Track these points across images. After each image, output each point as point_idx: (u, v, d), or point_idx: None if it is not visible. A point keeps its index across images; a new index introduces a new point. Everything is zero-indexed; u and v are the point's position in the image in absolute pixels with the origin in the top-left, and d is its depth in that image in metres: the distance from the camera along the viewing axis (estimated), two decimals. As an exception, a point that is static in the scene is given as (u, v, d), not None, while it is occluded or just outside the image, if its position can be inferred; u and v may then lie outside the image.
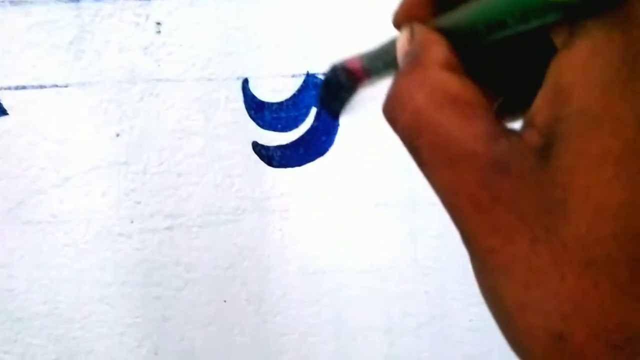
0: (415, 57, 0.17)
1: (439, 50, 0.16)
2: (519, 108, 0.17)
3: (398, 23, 0.19)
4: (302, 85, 0.38)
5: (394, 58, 0.19)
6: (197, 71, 0.38)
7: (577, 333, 0.13)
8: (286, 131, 0.39)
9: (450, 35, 0.17)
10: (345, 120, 0.39)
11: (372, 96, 0.36)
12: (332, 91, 0.28)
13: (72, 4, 0.37)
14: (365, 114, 0.38)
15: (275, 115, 0.38)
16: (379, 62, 0.22)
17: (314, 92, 0.38)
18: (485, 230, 0.14)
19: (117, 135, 0.38)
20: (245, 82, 0.38)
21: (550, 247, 0.13)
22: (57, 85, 0.37)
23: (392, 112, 0.16)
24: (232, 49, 0.37)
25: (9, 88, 0.37)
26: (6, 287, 0.40)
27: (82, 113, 0.38)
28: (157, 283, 0.40)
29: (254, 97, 0.38)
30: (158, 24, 0.37)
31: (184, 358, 0.42)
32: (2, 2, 0.36)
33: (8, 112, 0.37)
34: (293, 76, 0.38)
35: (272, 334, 0.42)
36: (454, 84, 0.15)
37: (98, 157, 0.39)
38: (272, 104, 0.38)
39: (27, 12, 0.37)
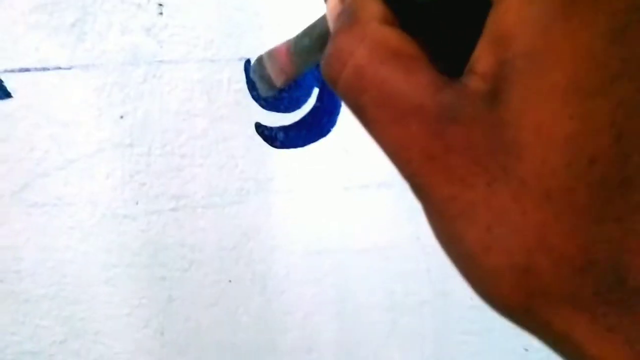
0: (352, 13, 0.16)
1: (374, 5, 0.16)
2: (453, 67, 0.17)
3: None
4: (304, 66, 0.38)
5: (325, 31, 0.18)
6: (200, 52, 0.38)
7: (542, 263, 0.13)
8: (288, 112, 0.39)
9: None
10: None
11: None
12: (258, 78, 0.28)
13: (74, -14, 0.37)
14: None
15: (277, 96, 0.38)
16: (306, 38, 0.21)
17: (316, 73, 0.38)
18: (441, 180, 0.14)
19: (121, 117, 0.38)
20: (247, 63, 0.38)
21: (508, 185, 0.13)
22: (60, 68, 0.37)
23: (332, 70, 0.16)
24: (234, 29, 0.37)
25: (13, 70, 0.37)
26: (13, 269, 0.40)
27: (86, 95, 0.38)
28: (163, 264, 0.41)
29: (256, 77, 0.38)
30: (160, 5, 0.37)
31: (190, 338, 0.42)
32: (4, -16, 0.36)
33: (12, 94, 0.37)
34: (295, 57, 0.38)
35: (276, 313, 0.42)
36: (394, 38, 0.15)
37: (102, 140, 0.39)
38: (275, 84, 0.38)
39: (28, -6, 0.37)
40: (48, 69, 0.37)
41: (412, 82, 0.15)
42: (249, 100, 0.39)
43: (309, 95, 0.39)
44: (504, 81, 0.13)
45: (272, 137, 0.39)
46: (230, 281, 0.41)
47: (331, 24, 0.18)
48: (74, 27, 0.37)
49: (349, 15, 0.16)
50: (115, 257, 0.41)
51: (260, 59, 0.26)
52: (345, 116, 0.39)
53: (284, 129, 0.39)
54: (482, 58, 0.14)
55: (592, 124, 0.13)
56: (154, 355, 0.43)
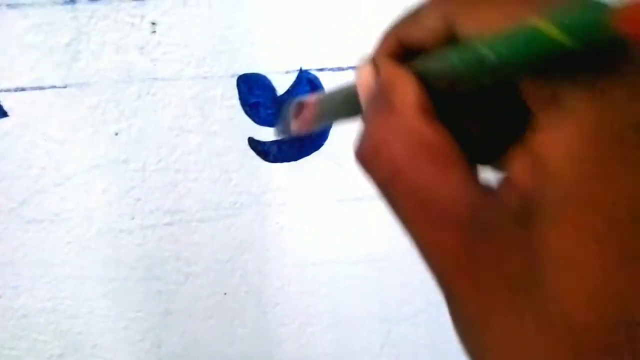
0: (387, 97, 0.16)
1: (409, 89, 0.15)
2: (486, 158, 0.17)
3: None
4: (295, 81, 0.39)
5: (353, 97, 0.18)
6: (193, 69, 0.38)
7: None
8: (281, 126, 0.39)
9: (419, 78, 0.16)
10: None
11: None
12: (281, 119, 0.28)
13: (68, 6, 0.37)
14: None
15: (270, 111, 0.39)
16: (333, 102, 0.21)
17: (307, 88, 0.39)
18: (467, 288, 0.14)
19: (116, 134, 0.39)
20: (239, 80, 0.39)
21: (529, 308, 0.13)
22: (55, 86, 0.38)
23: (366, 158, 0.16)
24: (226, 47, 0.38)
25: (9, 90, 0.38)
26: (11, 284, 0.41)
27: (81, 113, 0.39)
28: (159, 277, 0.41)
29: (248, 93, 0.39)
30: (153, 24, 0.38)
31: (186, 350, 0.43)
32: (0, 5, 0.37)
33: (8, 113, 0.38)
34: (287, 72, 0.39)
35: (272, 325, 0.43)
36: (431, 132, 0.15)
37: (98, 156, 0.39)
38: (267, 100, 0.39)
39: (24, 14, 0.37)
40: (44, 88, 0.38)
41: (447, 188, 0.14)
42: (242, 115, 0.39)
43: (300, 109, 0.39)
44: (538, 207, 0.13)
45: (265, 151, 0.40)
46: (225, 294, 0.42)
47: (362, 98, 0.17)
48: (69, 46, 0.38)
49: (384, 99, 0.16)
50: (111, 271, 0.41)
51: (290, 104, 0.27)
52: (338, 130, 0.40)
53: (277, 143, 0.40)
54: (519, 173, 0.14)
55: (622, 284, 0.12)
56: (151, 367, 0.43)
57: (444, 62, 0.15)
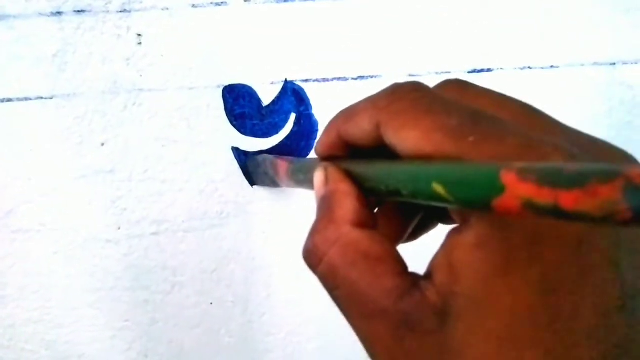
0: (328, 209, 0.19)
1: (349, 204, 0.18)
2: (429, 226, 0.21)
3: (318, 154, 0.22)
4: (280, 92, 0.39)
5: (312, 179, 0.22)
6: (179, 80, 0.39)
7: None
8: (267, 137, 0.40)
9: (360, 180, 0.19)
10: (324, 126, 0.40)
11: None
12: (254, 170, 0.33)
13: (55, 18, 0.37)
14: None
15: (255, 122, 0.39)
16: (301, 174, 0.26)
17: (292, 99, 0.39)
18: None
19: (102, 144, 0.39)
20: (225, 90, 0.39)
21: None
22: (42, 97, 0.38)
23: (310, 262, 0.19)
24: (212, 58, 0.38)
25: (-5, 101, 0.38)
26: (-2, 294, 0.41)
27: (68, 124, 0.39)
28: (145, 287, 0.42)
29: (234, 104, 0.39)
30: (139, 35, 0.38)
31: (173, 359, 0.43)
32: (-14, 17, 0.37)
33: (-5, 124, 0.38)
34: (272, 83, 0.39)
35: (258, 334, 0.43)
36: (364, 240, 0.17)
37: (84, 166, 0.40)
38: (252, 110, 0.39)
39: (10, 26, 0.37)
40: (30, 99, 0.38)
41: (377, 287, 0.16)
42: (228, 126, 0.40)
43: (286, 120, 0.40)
44: (451, 308, 0.15)
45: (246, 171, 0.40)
46: (211, 303, 0.42)
47: (315, 198, 0.20)
48: (55, 57, 0.38)
49: (326, 211, 0.19)
50: (98, 281, 0.41)
51: (264, 160, 0.34)
52: (322, 140, 0.40)
53: (262, 153, 0.40)
54: (438, 273, 0.16)
55: None
56: (138, 377, 0.43)
57: (389, 178, 0.17)
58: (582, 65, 0.40)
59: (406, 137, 0.16)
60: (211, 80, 0.39)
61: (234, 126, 0.39)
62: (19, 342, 0.42)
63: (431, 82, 0.40)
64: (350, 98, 0.40)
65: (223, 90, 0.39)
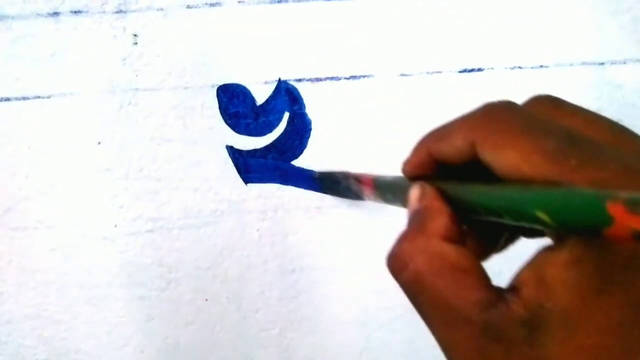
0: (420, 222, 0.19)
1: (441, 220, 0.19)
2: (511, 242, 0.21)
3: (406, 174, 0.22)
4: (274, 92, 0.40)
5: (402, 194, 0.23)
6: (174, 80, 0.39)
7: None
8: (261, 136, 0.40)
9: (453, 200, 0.20)
10: (317, 125, 0.40)
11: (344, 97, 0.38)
12: (333, 186, 0.34)
13: (52, 18, 0.38)
14: (336, 118, 0.40)
15: (249, 121, 0.40)
16: (389, 193, 0.27)
17: (286, 98, 0.40)
18: None
19: (99, 143, 0.40)
20: (219, 90, 0.39)
21: None
22: (40, 97, 0.39)
23: (394, 268, 0.19)
24: (206, 58, 0.39)
25: (-7, 100, 0.39)
26: (-4, 290, 0.41)
27: (65, 123, 0.39)
28: (141, 284, 0.42)
29: (228, 103, 0.40)
30: (135, 35, 0.39)
31: (169, 355, 0.44)
32: (-15, 18, 0.38)
33: (-7, 123, 0.39)
34: (265, 83, 0.40)
35: (252, 330, 0.43)
36: (452, 253, 0.18)
37: (81, 165, 0.40)
38: (246, 109, 0.40)
39: (8, 26, 0.38)
40: (28, 98, 0.39)
41: (462, 296, 0.17)
42: (222, 125, 0.40)
43: (280, 119, 0.40)
44: (541, 320, 0.15)
45: (242, 164, 0.41)
46: (206, 300, 0.43)
47: (407, 213, 0.21)
48: (53, 57, 0.39)
49: (417, 223, 0.19)
50: (95, 278, 0.42)
51: (345, 177, 0.35)
52: (316, 139, 0.41)
53: (255, 152, 0.41)
54: (527, 287, 0.16)
55: None
56: (134, 372, 0.44)
57: (490, 201, 0.18)
58: (571, 65, 0.41)
59: (504, 157, 0.17)
60: (206, 79, 0.39)
61: (229, 125, 0.40)
62: (17, 337, 0.42)
63: (422, 81, 0.40)
64: (342, 97, 0.40)
65: (217, 90, 0.39)
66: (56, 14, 0.38)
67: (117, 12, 0.38)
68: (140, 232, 0.41)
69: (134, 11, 0.38)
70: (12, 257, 0.41)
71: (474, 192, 0.19)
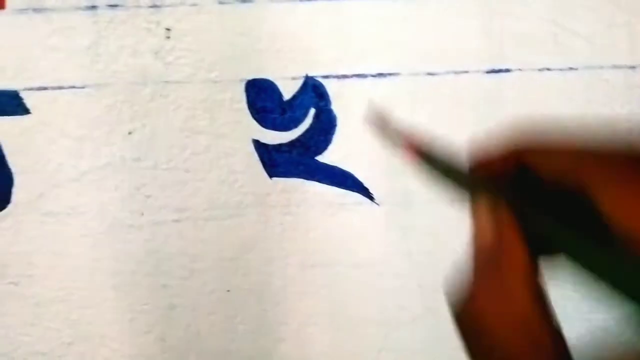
0: (497, 271, 0.16)
1: (522, 257, 0.16)
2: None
3: (475, 169, 0.19)
4: (301, 87, 0.40)
5: (454, 184, 0.19)
6: (204, 74, 0.40)
7: None
8: (286, 130, 0.41)
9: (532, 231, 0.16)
10: (343, 122, 0.41)
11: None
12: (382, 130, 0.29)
13: (90, 12, 0.40)
14: (362, 115, 0.40)
15: (276, 115, 0.41)
16: (440, 174, 0.22)
17: (312, 94, 0.40)
18: None
19: (130, 133, 0.41)
20: (248, 85, 0.40)
21: None
22: (74, 87, 0.40)
23: (465, 320, 0.17)
24: (236, 53, 0.40)
25: (32, 89, 0.40)
26: (26, 273, 0.43)
27: (98, 112, 0.41)
28: (165, 272, 0.43)
29: (256, 98, 0.40)
30: (168, 29, 0.40)
31: (189, 344, 0.44)
32: (27, 10, 0.39)
33: (30, 111, 0.40)
34: (293, 78, 0.40)
35: (272, 323, 0.44)
36: (529, 308, 0.16)
37: (112, 154, 0.41)
38: (273, 104, 0.41)
39: (48, 19, 0.40)
40: (64, 88, 0.40)
41: None
42: (249, 119, 0.41)
43: (305, 115, 0.41)
44: None
45: (268, 159, 0.41)
46: (228, 291, 0.43)
47: (474, 240, 0.18)
48: (89, 49, 0.40)
49: (495, 272, 0.16)
50: (121, 265, 0.43)
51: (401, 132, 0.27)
52: (340, 135, 0.41)
53: (281, 146, 0.41)
54: None
55: None
56: (155, 359, 0.45)
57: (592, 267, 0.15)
58: (601, 67, 0.40)
59: (621, 202, 0.15)
60: (235, 74, 0.40)
61: (256, 119, 0.41)
62: (44, 320, 0.44)
63: (449, 81, 0.41)
64: (368, 94, 0.41)
65: (246, 84, 0.40)
66: (94, 7, 0.39)
67: (151, 7, 0.40)
68: (166, 221, 0.42)
69: (168, 6, 0.39)
70: (42, 242, 0.43)
71: (583, 249, 0.15)
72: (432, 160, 0.23)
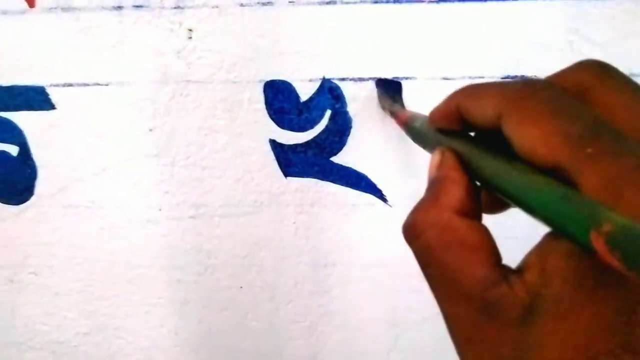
0: (435, 192, 0.19)
1: (456, 193, 0.19)
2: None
3: (432, 122, 0.23)
4: (318, 89, 0.41)
5: (428, 144, 0.24)
6: (224, 74, 0.41)
7: None
8: (303, 131, 0.42)
9: (472, 167, 0.20)
10: (358, 124, 0.42)
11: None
12: (387, 104, 0.38)
13: (115, 12, 0.41)
14: (377, 118, 0.41)
15: (292, 116, 0.41)
16: (417, 136, 0.28)
17: (329, 96, 0.41)
18: (472, 358, 0.17)
19: (150, 130, 0.42)
20: (266, 85, 0.41)
21: None
22: (99, 84, 0.42)
23: (407, 236, 0.20)
24: (256, 54, 0.41)
25: (58, 85, 0.41)
26: (47, 264, 0.44)
27: (120, 109, 0.42)
28: (180, 267, 0.44)
29: (273, 98, 0.41)
30: (190, 30, 0.41)
31: (201, 339, 0.45)
32: (55, 9, 0.41)
33: (56, 106, 0.42)
34: (310, 80, 0.41)
35: (284, 321, 0.45)
36: (462, 228, 0.18)
37: (132, 150, 0.43)
38: (290, 105, 0.41)
39: (76, 17, 0.41)
40: (88, 85, 0.42)
41: (468, 274, 0.17)
42: (267, 119, 0.42)
43: (322, 116, 0.42)
44: (537, 307, 0.16)
45: (284, 158, 0.42)
46: (241, 287, 0.44)
47: (427, 178, 0.21)
48: (114, 48, 0.41)
49: (432, 193, 0.20)
50: (138, 258, 0.44)
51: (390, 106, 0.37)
52: (355, 137, 0.42)
53: (297, 146, 0.42)
54: (530, 271, 0.17)
55: None
56: (167, 353, 0.45)
57: (498, 180, 0.18)
58: (617, 76, 0.40)
59: (525, 134, 0.17)
60: (253, 75, 0.41)
61: (273, 119, 0.42)
62: (62, 309, 0.45)
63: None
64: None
65: (264, 85, 0.41)
66: (120, 7, 0.41)
67: (175, 8, 0.41)
68: (183, 217, 0.43)
69: (191, 7, 0.41)
70: (63, 234, 0.44)
71: (486, 165, 0.19)
72: (412, 127, 0.29)
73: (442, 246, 0.18)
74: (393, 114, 0.34)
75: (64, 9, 0.41)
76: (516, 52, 0.40)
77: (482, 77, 0.41)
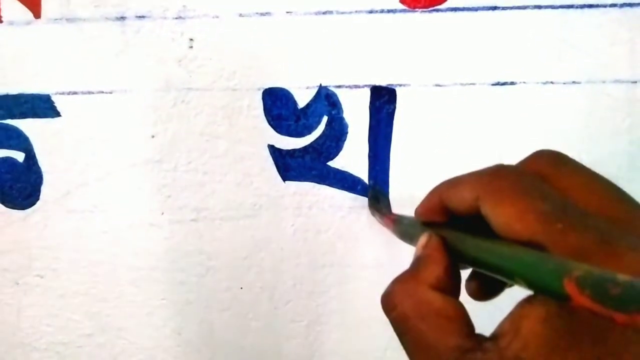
0: (416, 268, 0.21)
1: (435, 270, 0.21)
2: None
3: (418, 217, 0.24)
4: (315, 96, 0.42)
5: (412, 237, 0.25)
6: (224, 82, 0.43)
7: None
8: (300, 137, 0.43)
9: (456, 250, 0.21)
10: (354, 129, 0.43)
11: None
12: (375, 206, 0.40)
13: (119, 22, 0.42)
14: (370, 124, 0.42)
15: (290, 122, 0.43)
16: (407, 237, 0.30)
17: (325, 102, 0.42)
18: None
19: (153, 136, 0.43)
20: (265, 93, 0.43)
21: None
22: (103, 92, 0.43)
23: (385, 305, 0.21)
24: (254, 63, 0.42)
25: (63, 93, 0.43)
26: (51, 266, 0.45)
27: (123, 116, 0.43)
28: (182, 269, 0.45)
29: (272, 105, 0.43)
30: (191, 39, 0.42)
31: (203, 338, 0.46)
32: (60, 19, 0.42)
33: (61, 114, 0.43)
34: (307, 88, 0.42)
35: (283, 321, 0.46)
36: (438, 301, 0.20)
37: (135, 156, 0.44)
38: (288, 112, 0.43)
39: (80, 28, 0.42)
40: (92, 93, 0.43)
41: (442, 342, 0.19)
42: (265, 125, 0.43)
43: (319, 122, 0.43)
44: None
45: (282, 163, 0.43)
46: (241, 288, 0.45)
47: (413, 256, 0.23)
48: (117, 57, 0.43)
49: (413, 269, 0.21)
50: (140, 261, 0.45)
51: (379, 209, 0.40)
52: (351, 142, 0.43)
53: (294, 151, 0.43)
54: (505, 337, 0.18)
55: None
56: (170, 353, 0.47)
57: (479, 254, 0.20)
58: (604, 82, 0.42)
59: (501, 213, 0.18)
60: (253, 83, 0.43)
61: (271, 126, 0.43)
62: (67, 311, 0.46)
63: (456, 92, 0.42)
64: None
65: (263, 93, 0.43)
66: (123, 18, 0.42)
67: (176, 18, 0.42)
68: (184, 220, 0.44)
69: (192, 17, 0.42)
70: (67, 237, 0.45)
71: (469, 245, 0.20)
72: (400, 226, 0.31)
73: (418, 316, 0.19)
74: (382, 217, 0.37)
75: (69, 20, 0.42)
76: (506, 60, 0.42)
77: (474, 84, 0.42)
